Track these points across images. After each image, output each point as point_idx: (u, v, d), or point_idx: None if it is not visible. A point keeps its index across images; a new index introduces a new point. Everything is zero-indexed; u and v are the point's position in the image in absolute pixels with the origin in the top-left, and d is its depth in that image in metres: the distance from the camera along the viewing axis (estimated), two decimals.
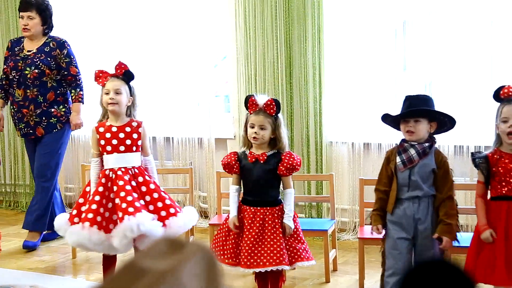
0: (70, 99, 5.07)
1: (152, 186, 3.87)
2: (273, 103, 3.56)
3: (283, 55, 5.26)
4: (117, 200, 3.77)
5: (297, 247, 3.58)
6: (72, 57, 5.01)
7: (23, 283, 4.23)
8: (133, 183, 3.83)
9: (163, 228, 3.75)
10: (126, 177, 3.81)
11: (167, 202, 3.87)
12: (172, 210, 3.84)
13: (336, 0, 5.18)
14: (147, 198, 3.83)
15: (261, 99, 3.59)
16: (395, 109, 3.63)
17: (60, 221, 3.94)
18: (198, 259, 0.92)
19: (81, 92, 5.01)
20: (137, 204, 3.72)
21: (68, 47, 5.01)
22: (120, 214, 3.71)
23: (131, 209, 3.69)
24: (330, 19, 5.17)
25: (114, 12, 6.08)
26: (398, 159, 3.41)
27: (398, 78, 5.14)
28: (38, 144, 5.05)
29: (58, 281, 4.37)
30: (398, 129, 3.49)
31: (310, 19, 5.13)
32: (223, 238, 3.62)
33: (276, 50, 5.28)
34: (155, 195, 3.84)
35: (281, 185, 3.66)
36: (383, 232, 3.49)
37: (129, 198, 3.73)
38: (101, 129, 3.93)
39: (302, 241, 3.62)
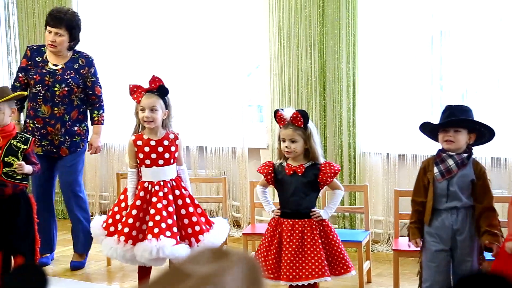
0: (88, 117, 4.90)
1: (187, 200, 3.89)
2: (299, 115, 3.55)
3: (317, 65, 5.26)
4: (147, 218, 3.83)
5: (340, 258, 3.57)
6: (97, 76, 4.83)
7: None
8: (170, 197, 3.86)
9: (188, 248, 3.77)
10: (161, 193, 3.84)
11: (202, 219, 3.91)
12: (204, 227, 3.86)
13: (371, 10, 5.16)
14: (183, 211, 3.85)
15: (288, 113, 3.59)
16: (431, 119, 3.60)
17: (96, 226, 3.98)
18: (241, 268, 0.93)
19: (103, 114, 4.82)
20: (163, 225, 3.74)
21: (95, 66, 4.83)
22: (146, 231, 3.77)
23: (156, 230, 3.72)
24: (364, 29, 5.15)
25: (148, 22, 6.14)
26: (435, 170, 3.38)
27: (434, 88, 5.09)
28: (59, 162, 4.79)
29: None
30: (435, 139, 3.45)
31: (345, 29, 5.12)
32: (265, 253, 3.62)
33: (310, 60, 5.28)
34: (191, 209, 3.87)
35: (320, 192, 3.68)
36: (421, 245, 3.45)
37: (157, 218, 3.76)
38: (139, 142, 3.94)
39: (342, 251, 3.61)
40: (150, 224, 3.75)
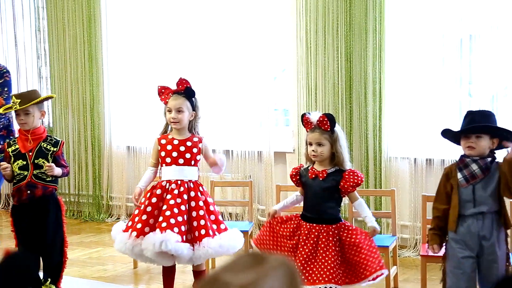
0: None
1: (201, 203, 3.88)
2: (326, 119, 3.54)
3: (343, 69, 5.25)
4: (156, 212, 3.86)
5: (357, 267, 3.52)
6: (6, 89, 4.53)
7: None
8: (185, 197, 3.87)
9: (190, 249, 3.76)
10: (176, 191, 3.86)
11: (214, 226, 3.86)
12: (211, 232, 3.84)
13: (398, 13, 5.14)
14: (193, 213, 3.86)
15: (314, 116, 3.59)
16: (459, 123, 3.56)
17: (116, 229, 4.01)
18: (280, 273, 0.93)
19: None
20: (172, 220, 3.75)
21: (7, 78, 4.56)
22: (156, 226, 3.80)
23: (164, 224, 3.74)
24: (391, 33, 5.13)
25: (176, 26, 6.18)
26: (459, 175, 3.34)
27: (463, 92, 5.05)
28: None
29: None
30: (459, 144, 3.42)
31: (372, 33, 5.10)
32: (279, 252, 3.63)
33: (337, 64, 5.27)
34: (201, 213, 3.86)
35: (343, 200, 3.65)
36: (439, 251, 3.42)
37: (167, 213, 3.78)
38: (163, 141, 3.99)
39: (366, 257, 3.56)
40: (160, 219, 3.77)
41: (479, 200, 3.30)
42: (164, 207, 3.81)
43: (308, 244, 3.51)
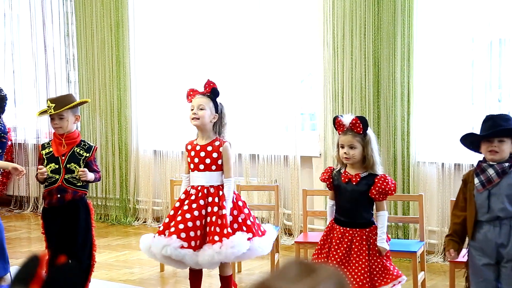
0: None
1: (215, 209, 3.85)
2: (359, 121, 3.53)
3: (371, 73, 5.22)
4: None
5: (380, 270, 3.51)
6: None
7: None
8: (201, 202, 3.86)
9: (194, 255, 3.74)
10: (193, 197, 3.87)
11: (222, 229, 3.81)
12: (216, 238, 3.78)
13: (427, 17, 5.09)
14: (208, 219, 3.86)
15: (347, 119, 3.57)
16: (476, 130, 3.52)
17: (145, 239, 4.02)
18: (331, 284, 0.91)
19: None
20: (181, 226, 3.78)
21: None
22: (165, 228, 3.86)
23: (172, 229, 3.79)
24: (420, 37, 5.08)
25: (203, 30, 6.21)
26: (476, 180, 3.30)
27: (492, 97, 4.98)
28: None
29: None
30: (476, 150, 3.38)
31: (400, 37, 5.07)
32: (315, 257, 3.62)
33: (364, 68, 5.24)
34: (214, 219, 3.84)
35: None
36: (456, 257, 3.39)
37: (179, 218, 3.81)
38: (189, 147, 4.01)
39: (385, 263, 3.55)
40: (172, 223, 3.81)
41: (494, 205, 3.26)
42: (179, 212, 3.85)
43: (342, 248, 3.50)
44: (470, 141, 3.39)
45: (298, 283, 0.88)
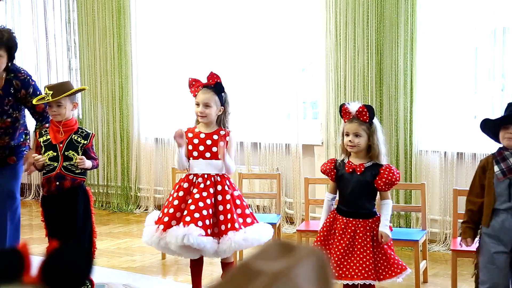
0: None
1: (228, 197, 3.87)
2: (365, 110, 3.51)
3: (374, 61, 5.19)
4: (183, 205, 3.86)
5: (385, 263, 3.50)
6: (37, 93, 4.26)
7: (116, 281, 4.36)
8: (211, 190, 3.86)
9: (214, 242, 3.74)
10: (202, 185, 3.85)
11: (240, 219, 3.85)
12: (236, 225, 3.81)
13: (430, 6, 5.06)
14: (220, 207, 3.85)
15: (353, 107, 3.55)
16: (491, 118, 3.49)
17: (149, 221, 4.02)
18: (310, 262, 0.91)
19: (46, 124, 4.20)
20: (196, 214, 3.75)
21: (32, 83, 4.29)
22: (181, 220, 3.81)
23: (188, 218, 3.74)
24: (423, 25, 5.06)
25: (204, 20, 6.19)
26: (496, 168, 3.27)
27: (495, 85, 4.96)
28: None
29: (148, 281, 4.48)
30: (495, 139, 3.35)
31: (403, 25, 5.04)
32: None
33: (367, 56, 5.21)
34: (228, 206, 3.85)
35: (377, 196, 3.59)
36: (472, 244, 3.37)
37: (192, 207, 3.77)
38: (190, 135, 3.98)
39: (391, 255, 3.53)
40: (185, 212, 3.77)
41: None
42: (190, 200, 3.81)
43: (345, 239, 3.48)
44: (490, 126, 3.35)
45: (277, 261, 0.89)
